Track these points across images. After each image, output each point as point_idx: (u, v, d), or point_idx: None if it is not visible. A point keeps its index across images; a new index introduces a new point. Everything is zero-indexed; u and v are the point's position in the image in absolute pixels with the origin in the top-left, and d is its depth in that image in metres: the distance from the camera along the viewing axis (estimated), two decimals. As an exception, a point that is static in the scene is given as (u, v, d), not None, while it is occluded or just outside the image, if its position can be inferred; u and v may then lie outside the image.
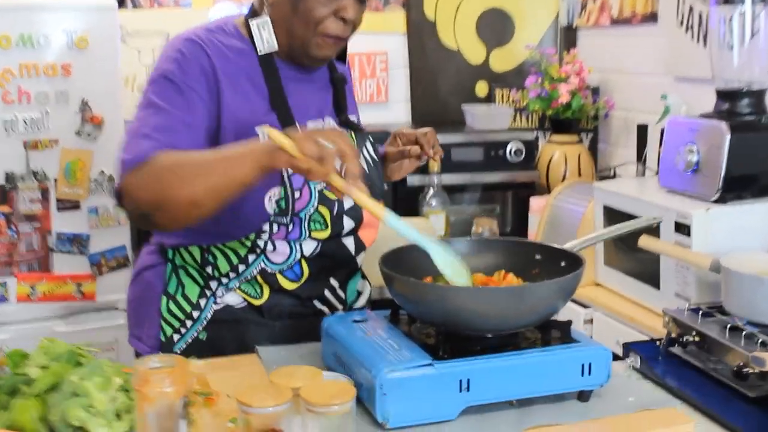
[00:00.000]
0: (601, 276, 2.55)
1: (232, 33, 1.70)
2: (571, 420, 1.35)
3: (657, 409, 1.39)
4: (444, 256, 1.46)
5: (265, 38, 1.67)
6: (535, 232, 2.88)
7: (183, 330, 1.70)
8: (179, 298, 1.71)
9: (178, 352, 1.68)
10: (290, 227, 1.67)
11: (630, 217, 2.25)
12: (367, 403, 1.34)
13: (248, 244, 1.67)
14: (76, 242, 2.78)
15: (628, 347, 1.64)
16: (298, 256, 1.69)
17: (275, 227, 1.66)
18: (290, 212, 1.65)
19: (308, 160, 1.35)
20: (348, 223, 1.74)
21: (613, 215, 2.41)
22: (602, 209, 2.49)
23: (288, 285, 1.71)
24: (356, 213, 1.73)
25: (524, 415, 1.36)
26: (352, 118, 1.83)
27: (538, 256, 1.58)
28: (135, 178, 1.52)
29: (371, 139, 1.84)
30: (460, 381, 1.32)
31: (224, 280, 1.69)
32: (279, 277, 1.69)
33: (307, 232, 1.68)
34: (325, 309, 1.75)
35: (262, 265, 1.68)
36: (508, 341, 1.42)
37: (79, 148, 2.77)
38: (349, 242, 1.76)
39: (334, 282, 1.76)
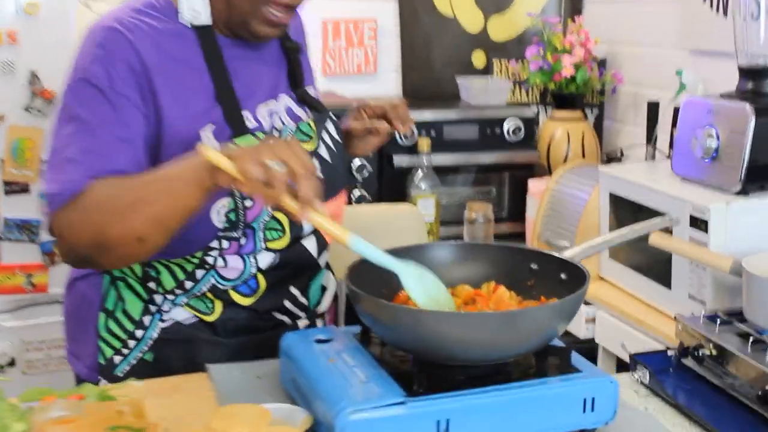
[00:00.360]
0: (605, 270, 2.38)
1: (163, 9, 1.48)
2: (570, 469, 1.17)
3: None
4: (418, 282, 1.27)
5: (196, 8, 1.45)
6: (533, 219, 2.73)
7: (125, 351, 1.52)
8: (119, 315, 1.51)
9: (121, 375, 1.51)
10: (242, 240, 1.48)
11: (639, 208, 2.12)
12: (326, 445, 1.16)
13: (196, 260, 1.48)
14: (26, 229, 2.62)
15: (636, 359, 1.50)
16: (254, 270, 1.51)
17: (225, 242, 1.47)
18: (241, 225, 1.46)
19: (253, 183, 1.19)
20: (308, 224, 1.55)
21: (620, 205, 2.26)
22: (608, 198, 2.32)
23: (242, 300, 1.53)
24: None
25: (515, 461, 1.18)
26: (310, 91, 1.64)
27: (534, 266, 1.39)
28: (67, 217, 1.35)
29: (333, 118, 1.65)
30: (438, 422, 1.13)
31: (170, 297, 1.51)
32: (232, 292, 1.51)
33: (263, 243, 1.50)
34: (285, 319, 1.58)
35: (213, 281, 1.50)
36: (496, 371, 1.23)
37: (28, 125, 2.59)
38: (311, 244, 1.58)
39: (294, 290, 1.58)
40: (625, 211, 2.20)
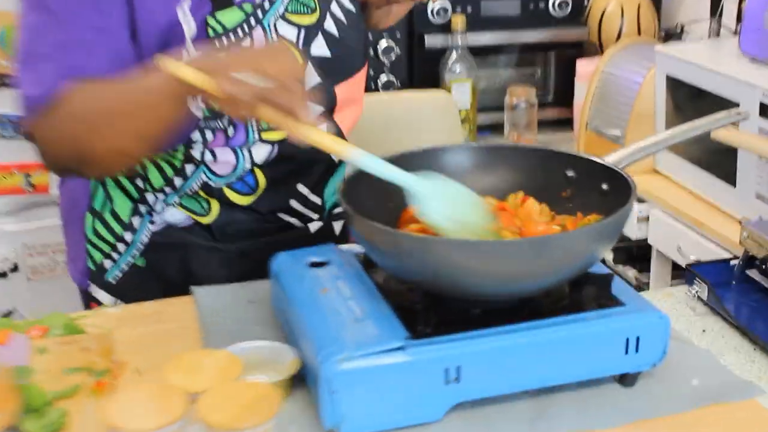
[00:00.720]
0: (660, 163, 2.23)
1: None
2: (607, 423, 0.99)
3: (730, 403, 1.03)
4: (440, 202, 1.08)
5: None
6: (582, 104, 2.54)
7: (115, 255, 1.43)
8: (107, 216, 1.41)
9: (113, 281, 1.43)
10: (230, 131, 1.33)
11: (700, 93, 1.96)
12: (312, 394, 0.99)
13: (180, 156, 1.35)
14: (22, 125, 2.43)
15: (692, 271, 1.35)
16: (248, 165, 1.36)
17: (209, 134, 1.33)
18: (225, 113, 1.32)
19: (231, 101, 1.07)
20: (313, 110, 1.37)
21: (679, 89, 2.09)
22: (665, 81, 2.15)
23: (240, 199, 1.39)
24: (325, 93, 1.39)
25: (541, 412, 1.00)
26: None
27: (570, 173, 1.19)
28: (44, 125, 1.26)
29: None
30: (447, 369, 0.96)
31: (160, 196, 1.39)
32: (227, 190, 1.38)
33: (256, 134, 1.34)
34: (294, 221, 1.44)
35: (204, 177, 1.36)
36: (520, 306, 1.04)
37: (15, 10, 2.34)
38: None
39: (302, 188, 1.43)
40: (685, 96, 2.05)
